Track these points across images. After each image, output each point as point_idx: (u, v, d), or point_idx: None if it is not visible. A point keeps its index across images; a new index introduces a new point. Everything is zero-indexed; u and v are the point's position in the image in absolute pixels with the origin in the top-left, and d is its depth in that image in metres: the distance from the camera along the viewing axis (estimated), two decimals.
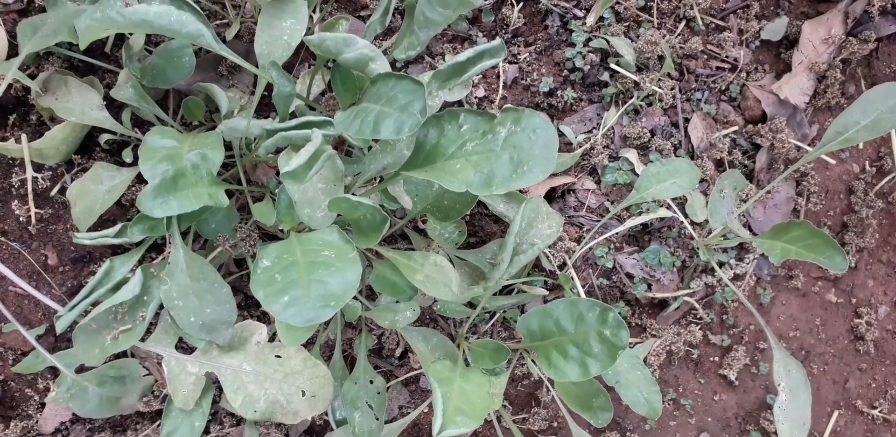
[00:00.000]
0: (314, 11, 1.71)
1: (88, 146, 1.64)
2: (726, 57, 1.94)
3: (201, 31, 1.24)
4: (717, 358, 1.94)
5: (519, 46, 1.85)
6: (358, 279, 1.20)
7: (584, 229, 1.82)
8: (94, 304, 1.42)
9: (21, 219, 1.58)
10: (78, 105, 1.51)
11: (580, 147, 1.83)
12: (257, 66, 1.47)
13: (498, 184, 1.19)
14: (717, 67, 1.94)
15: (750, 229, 1.96)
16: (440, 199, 1.53)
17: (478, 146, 1.22)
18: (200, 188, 1.27)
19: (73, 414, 1.65)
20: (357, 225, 1.39)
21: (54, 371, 1.64)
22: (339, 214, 1.40)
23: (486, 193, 1.20)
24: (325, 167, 1.37)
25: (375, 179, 1.63)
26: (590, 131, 1.86)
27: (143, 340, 1.47)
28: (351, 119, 1.26)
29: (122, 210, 1.65)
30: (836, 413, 2.01)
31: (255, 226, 1.60)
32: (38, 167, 1.58)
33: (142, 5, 1.23)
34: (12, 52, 1.48)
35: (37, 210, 1.58)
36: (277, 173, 1.55)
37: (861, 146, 2.08)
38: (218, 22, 1.72)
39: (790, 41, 2.01)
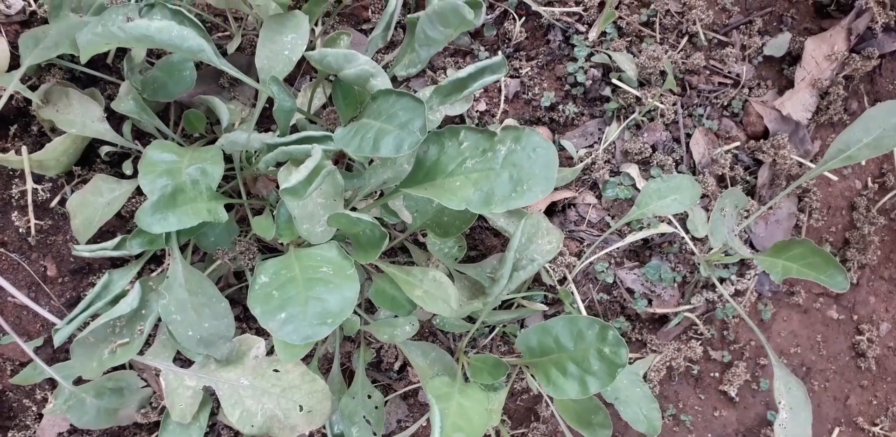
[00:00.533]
0: (316, 25, 1.72)
1: (89, 158, 1.64)
2: (729, 72, 1.94)
3: (202, 46, 1.25)
4: (717, 374, 1.93)
5: (521, 61, 1.85)
6: (356, 297, 1.20)
7: (585, 244, 1.81)
8: (93, 317, 1.42)
9: (21, 230, 1.58)
10: (79, 117, 1.51)
11: (581, 162, 1.83)
12: (258, 81, 1.47)
13: (497, 202, 1.18)
14: (720, 83, 1.94)
15: (751, 245, 1.96)
16: (440, 215, 1.52)
17: (478, 164, 1.22)
18: (199, 204, 1.27)
19: (71, 425, 1.65)
20: (356, 240, 1.39)
21: (52, 382, 1.64)
22: (338, 229, 1.39)
23: (486, 212, 1.20)
24: (325, 182, 1.37)
25: (376, 192, 1.63)
26: (591, 146, 1.86)
27: (141, 353, 1.47)
28: (351, 135, 1.26)
29: (122, 222, 1.65)
30: (836, 430, 2.00)
31: (255, 239, 1.59)
32: (38, 178, 1.59)
33: (143, 21, 1.23)
34: (14, 63, 1.49)
35: (36, 221, 1.58)
36: (278, 187, 1.55)
37: (863, 163, 2.07)
38: (220, 34, 1.72)
39: (793, 57, 2.01)
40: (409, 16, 1.36)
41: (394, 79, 1.75)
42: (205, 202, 1.28)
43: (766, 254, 1.66)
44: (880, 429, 2.02)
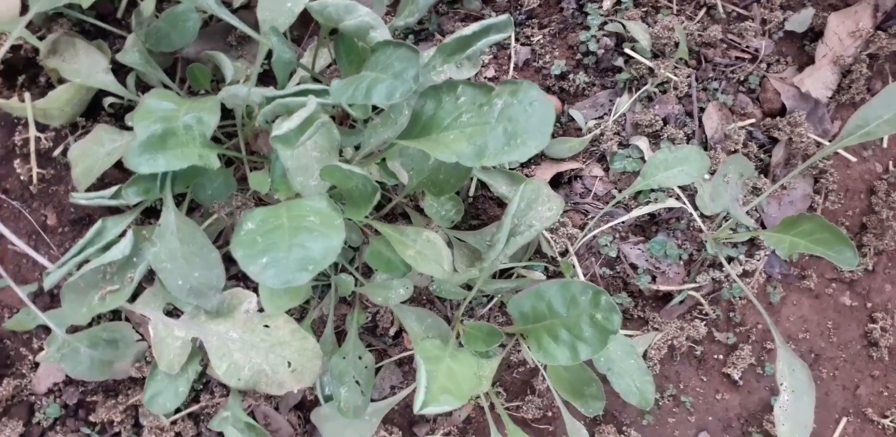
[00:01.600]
0: None
1: (95, 110, 1.65)
2: (747, 47, 1.89)
3: None
4: (721, 356, 1.89)
5: (532, 28, 1.82)
6: (340, 246, 1.18)
7: (589, 217, 1.78)
8: (86, 263, 1.42)
9: (23, 178, 1.60)
10: (84, 67, 1.52)
11: (590, 133, 1.80)
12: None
13: (490, 156, 1.17)
14: (737, 57, 1.89)
15: (763, 226, 1.91)
16: (436, 172, 1.50)
17: (473, 118, 1.21)
18: (191, 148, 1.26)
19: (67, 376, 1.66)
20: (350, 196, 1.38)
21: (50, 332, 1.65)
22: (333, 187, 1.38)
23: (477, 165, 1.18)
24: (320, 135, 1.36)
25: (375, 154, 1.61)
26: (601, 117, 1.82)
27: (131, 301, 1.47)
28: (346, 86, 1.25)
29: (124, 175, 1.65)
30: (844, 420, 1.94)
31: (254, 196, 1.59)
32: (42, 128, 1.60)
33: None
34: (26, 11, 1.49)
35: (39, 170, 1.59)
36: None
37: (885, 145, 2.01)
38: None
39: (815, 33, 1.95)
40: None
41: (403, 37, 1.73)
42: (197, 148, 1.27)
43: (774, 229, 1.61)
44: (891, 421, 1.96)
